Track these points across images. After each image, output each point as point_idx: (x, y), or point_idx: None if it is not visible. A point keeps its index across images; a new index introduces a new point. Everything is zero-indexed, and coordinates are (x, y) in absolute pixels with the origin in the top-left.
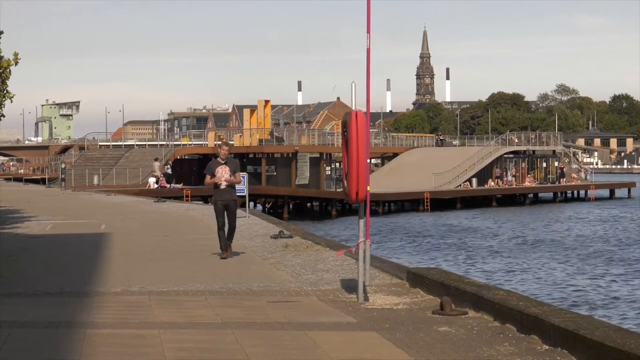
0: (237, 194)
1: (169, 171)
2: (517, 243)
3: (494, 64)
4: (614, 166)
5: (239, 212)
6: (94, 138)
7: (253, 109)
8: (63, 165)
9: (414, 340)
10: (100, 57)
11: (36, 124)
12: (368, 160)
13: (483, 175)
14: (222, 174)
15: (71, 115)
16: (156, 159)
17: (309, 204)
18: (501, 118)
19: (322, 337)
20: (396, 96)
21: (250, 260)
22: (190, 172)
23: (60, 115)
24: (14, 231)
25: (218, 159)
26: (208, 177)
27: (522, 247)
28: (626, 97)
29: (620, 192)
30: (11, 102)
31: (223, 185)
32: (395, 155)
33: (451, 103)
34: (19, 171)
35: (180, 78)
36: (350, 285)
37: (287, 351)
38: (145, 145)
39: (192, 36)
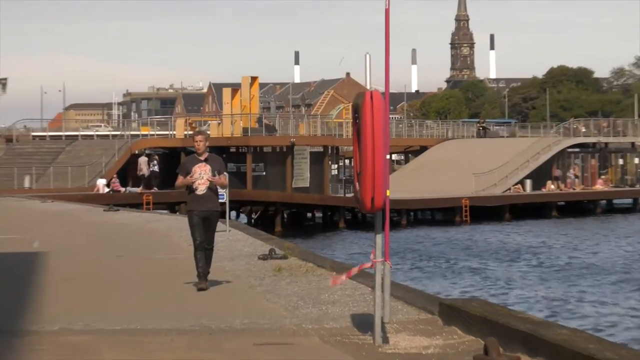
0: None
1: (156, 169)
2: (584, 267)
3: (552, 29)
4: None
5: (218, 224)
6: (25, 127)
7: (235, 88)
8: None
9: None
10: (35, 22)
11: None
12: (387, 156)
13: (540, 175)
14: (201, 174)
15: None
16: (143, 155)
17: (309, 214)
18: (563, 100)
19: None
20: (425, 71)
21: (232, 288)
22: (152, 171)
23: None
24: None
25: (195, 154)
26: (181, 178)
27: (591, 272)
28: None
29: None
30: None
31: (202, 189)
32: (424, 149)
33: (497, 80)
34: None
35: (139, 48)
36: (364, 322)
37: None
38: (93, 135)
39: None
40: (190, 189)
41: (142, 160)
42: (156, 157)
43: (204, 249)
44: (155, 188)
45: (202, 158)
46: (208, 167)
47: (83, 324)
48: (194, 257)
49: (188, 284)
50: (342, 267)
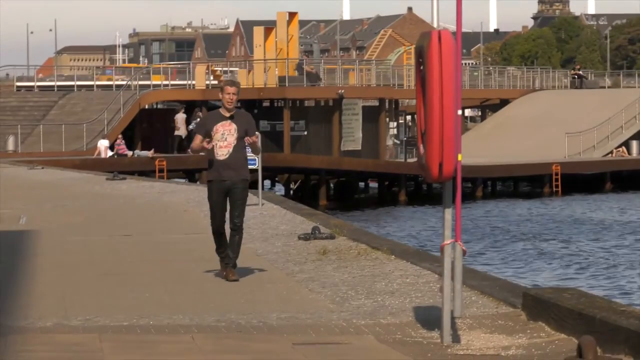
0: (249, 168)
1: None
2: None
3: None
4: None
5: (249, 196)
6: (7, 75)
7: (269, 26)
8: None
9: None
10: None
11: None
12: (459, 112)
13: None
14: (224, 135)
15: None
16: (181, 111)
17: (361, 184)
18: None
19: None
20: (506, 5)
21: (266, 275)
22: (165, 130)
23: None
24: None
25: (221, 109)
26: (198, 139)
27: None
28: None
29: None
30: None
31: (224, 153)
32: (505, 102)
33: (596, 17)
34: None
35: None
36: (429, 317)
37: None
38: (92, 86)
39: None
40: (210, 152)
41: (180, 117)
42: (199, 113)
43: (223, 232)
44: (127, 151)
45: (227, 115)
46: (234, 127)
47: (82, 319)
48: (214, 239)
49: (211, 271)
50: (403, 250)
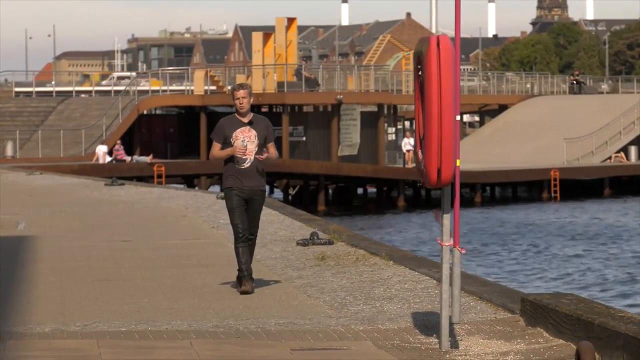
0: None
1: None
2: None
3: None
4: None
5: None
6: (6, 80)
7: (268, 32)
8: None
9: None
10: None
11: None
12: (457, 117)
13: None
14: (245, 141)
15: None
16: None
17: (359, 189)
18: None
19: None
20: (505, 11)
21: (265, 281)
22: (164, 136)
23: None
24: None
25: (236, 115)
26: (217, 147)
27: None
28: None
29: None
30: None
31: (247, 162)
32: (503, 108)
33: (595, 22)
34: None
35: None
36: (427, 323)
37: None
38: (91, 91)
39: None
40: (228, 159)
41: None
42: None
43: (247, 240)
44: (125, 157)
45: (245, 120)
46: (254, 133)
47: (80, 325)
48: (234, 251)
49: (209, 277)
50: (401, 256)
